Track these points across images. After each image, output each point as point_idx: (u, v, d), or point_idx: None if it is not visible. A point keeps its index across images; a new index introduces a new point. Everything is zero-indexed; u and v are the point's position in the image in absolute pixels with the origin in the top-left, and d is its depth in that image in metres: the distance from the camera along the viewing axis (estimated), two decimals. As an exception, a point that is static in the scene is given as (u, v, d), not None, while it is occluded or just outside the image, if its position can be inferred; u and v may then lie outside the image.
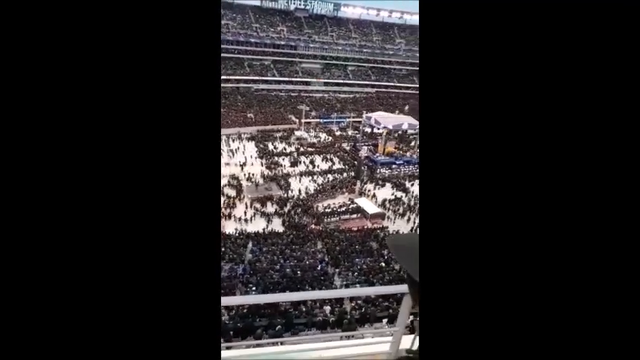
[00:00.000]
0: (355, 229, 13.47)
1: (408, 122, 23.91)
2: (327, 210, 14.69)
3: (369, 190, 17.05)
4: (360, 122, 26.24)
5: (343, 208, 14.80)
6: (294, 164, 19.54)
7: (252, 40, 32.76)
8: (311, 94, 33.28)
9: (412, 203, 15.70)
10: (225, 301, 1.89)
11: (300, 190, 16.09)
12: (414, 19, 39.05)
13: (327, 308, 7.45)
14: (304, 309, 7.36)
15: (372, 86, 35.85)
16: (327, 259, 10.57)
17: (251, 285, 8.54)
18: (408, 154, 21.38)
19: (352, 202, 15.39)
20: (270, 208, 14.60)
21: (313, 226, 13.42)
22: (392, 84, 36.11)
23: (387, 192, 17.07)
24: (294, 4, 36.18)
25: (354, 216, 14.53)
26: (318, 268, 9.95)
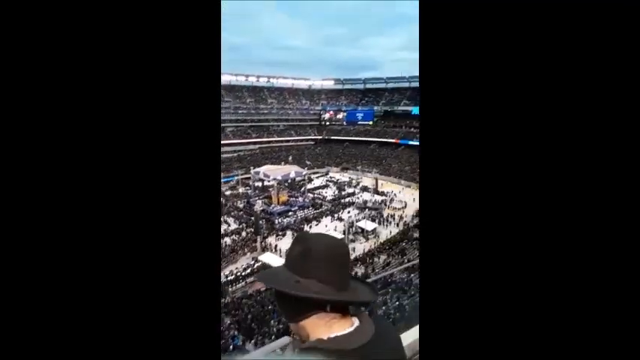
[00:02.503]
0: (264, 288, 12.70)
1: (294, 171, 25.69)
2: (230, 278, 13.38)
3: (270, 244, 16.76)
4: (249, 178, 26.36)
5: (248, 270, 13.85)
6: (183, 236, 17.22)
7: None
8: (192, 158, 31.33)
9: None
10: None
11: (194, 264, 14.10)
12: (280, 82, 44.51)
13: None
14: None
15: (254, 143, 37.38)
16: (237, 334, 9.38)
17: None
18: (300, 199, 22.68)
19: (256, 261, 14.65)
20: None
21: (217, 301, 11.82)
22: (273, 139, 38.73)
23: (288, 241, 17.18)
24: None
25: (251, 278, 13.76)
26: (230, 348, 8.67)
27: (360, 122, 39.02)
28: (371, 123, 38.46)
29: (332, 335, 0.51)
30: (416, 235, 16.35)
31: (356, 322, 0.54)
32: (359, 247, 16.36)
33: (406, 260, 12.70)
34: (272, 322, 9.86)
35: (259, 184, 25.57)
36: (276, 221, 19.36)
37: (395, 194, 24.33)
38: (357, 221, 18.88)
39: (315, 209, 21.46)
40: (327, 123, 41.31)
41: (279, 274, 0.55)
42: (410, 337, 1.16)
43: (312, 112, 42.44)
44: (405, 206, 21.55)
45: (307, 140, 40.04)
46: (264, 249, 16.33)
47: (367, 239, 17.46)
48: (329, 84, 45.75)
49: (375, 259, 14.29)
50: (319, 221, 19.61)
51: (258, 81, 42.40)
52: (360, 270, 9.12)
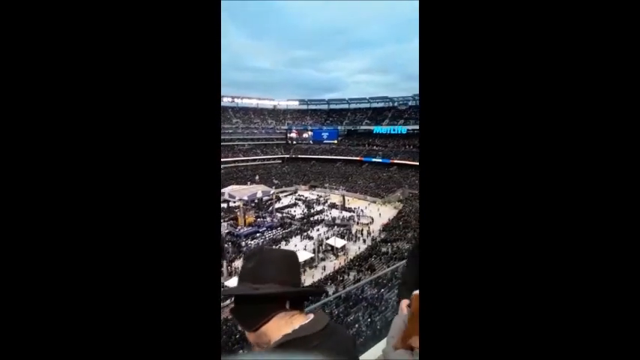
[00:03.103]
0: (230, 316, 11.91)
1: (261, 190, 25.24)
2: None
3: (237, 268, 15.97)
4: (213, 199, 25.24)
5: (213, 298, 12.95)
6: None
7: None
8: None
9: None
10: None
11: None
12: (244, 102, 44.37)
13: None
14: None
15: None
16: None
17: None
18: (268, 219, 22.17)
19: (223, 287, 13.79)
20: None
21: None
22: (238, 158, 37.95)
23: (257, 263, 16.51)
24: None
25: (228, 302, 12.96)
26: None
27: (325, 141, 40.02)
28: (336, 141, 39.64)
29: (296, 327, 0.58)
30: (384, 249, 16.75)
31: (311, 315, 0.62)
32: (329, 265, 16.28)
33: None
34: (239, 350, 9.22)
35: (224, 205, 24.61)
36: (243, 243, 18.63)
37: (362, 210, 24.91)
38: (326, 239, 18.89)
39: (284, 229, 21.08)
40: (294, 142, 41.73)
41: (238, 286, 0.63)
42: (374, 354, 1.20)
43: (278, 131, 42.67)
44: (372, 221, 22.11)
45: (274, 159, 39.89)
46: (230, 274, 15.51)
47: (337, 256, 17.47)
48: (294, 104, 46.72)
49: (346, 277, 14.29)
50: (288, 241, 19.24)
51: (222, 101, 41.90)
52: (331, 289, 9.03)
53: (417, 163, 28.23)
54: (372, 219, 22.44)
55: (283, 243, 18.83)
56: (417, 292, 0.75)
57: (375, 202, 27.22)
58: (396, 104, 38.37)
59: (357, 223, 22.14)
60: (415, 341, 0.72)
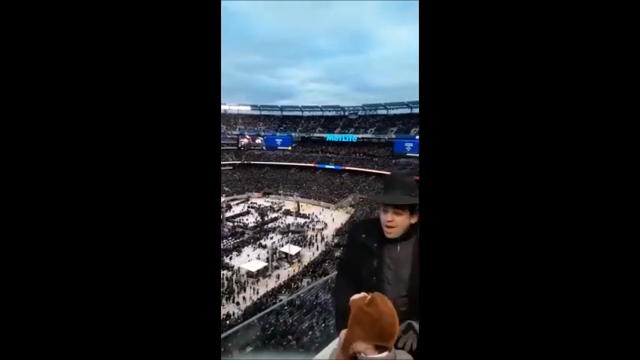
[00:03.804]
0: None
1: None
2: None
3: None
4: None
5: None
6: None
7: None
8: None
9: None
10: None
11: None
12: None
13: None
14: None
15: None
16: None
17: None
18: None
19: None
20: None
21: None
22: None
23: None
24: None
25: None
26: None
27: (279, 147, 39.71)
28: (290, 148, 39.60)
29: None
30: (337, 253, 17.10)
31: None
32: (283, 273, 16.02)
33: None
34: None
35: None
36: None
37: (316, 215, 25.16)
38: (280, 246, 18.58)
39: (236, 238, 20.17)
40: (246, 148, 40.52)
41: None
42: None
43: (229, 136, 40.99)
44: (326, 227, 22.47)
45: (225, 165, 38.10)
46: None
47: (291, 264, 17.29)
48: (246, 109, 45.47)
49: (300, 284, 14.21)
50: (240, 251, 18.45)
51: (165, 102, 38.73)
52: (284, 297, 8.87)
53: (367, 170, 29.71)
54: (326, 224, 22.82)
55: (234, 253, 17.99)
56: (354, 296, 0.78)
57: (328, 207, 27.75)
58: (346, 113, 40.00)
59: (312, 229, 22.27)
60: (358, 346, 0.72)
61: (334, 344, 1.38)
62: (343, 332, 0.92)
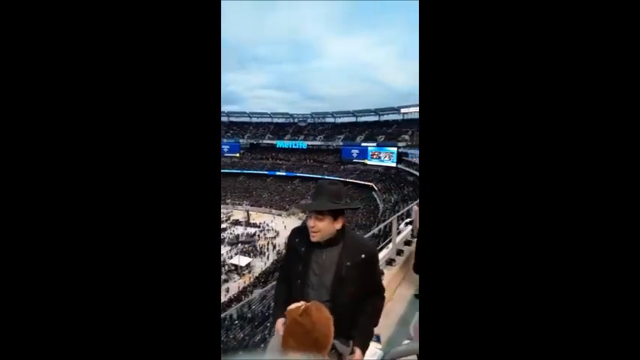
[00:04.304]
0: None
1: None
2: None
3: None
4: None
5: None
6: None
7: None
8: None
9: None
10: None
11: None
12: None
13: None
14: None
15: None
16: None
17: None
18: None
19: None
20: None
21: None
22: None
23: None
24: None
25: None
26: None
27: (226, 154, 38.01)
28: (238, 155, 38.21)
29: None
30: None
31: None
32: (233, 287, 15.23)
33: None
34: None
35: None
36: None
37: (267, 224, 24.61)
38: (229, 258, 17.67)
39: (179, 253, 18.50)
40: (189, 155, 37.68)
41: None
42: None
43: (169, 143, 37.68)
44: (277, 234, 22.11)
45: (164, 174, 34.79)
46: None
47: (242, 275, 16.55)
48: (189, 114, 42.48)
49: (250, 295, 13.68)
50: (184, 266, 16.96)
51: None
52: (233, 313, 8.39)
53: (318, 176, 30.25)
54: (278, 232, 22.46)
55: (178, 269, 16.48)
56: (290, 306, 0.78)
57: (280, 214, 27.39)
58: (296, 120, 40.34)
59: (263, 238, 21.69)
60: (292, 357, 0.70)
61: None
62: (279, 321, 0.94)
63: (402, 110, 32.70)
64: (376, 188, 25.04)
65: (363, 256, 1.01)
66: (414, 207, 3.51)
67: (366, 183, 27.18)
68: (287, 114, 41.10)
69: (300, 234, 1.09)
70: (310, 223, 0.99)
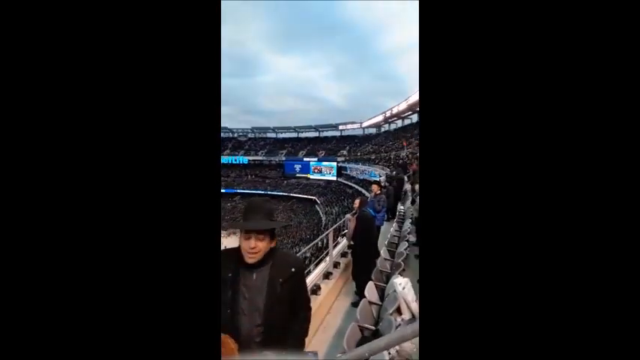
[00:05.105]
0: None
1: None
2: None
3: None
4: None
5: None
6: None
7: None
8: None
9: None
10: None
11: None
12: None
13: None
14: None
15: None
16: None
17: None
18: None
19: None
20: None
21: None
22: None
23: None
24: None
25: None
26: None
27: (156, 171, 34.40)
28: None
29: None
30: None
31: None
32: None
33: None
34: None
35: None
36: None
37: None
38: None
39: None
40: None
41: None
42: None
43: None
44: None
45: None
46: None
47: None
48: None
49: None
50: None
51: None
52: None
53: (260, 192, 29.47)
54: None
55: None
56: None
57: (235, 233, 25.57)
58: (236, 135, 39.03)
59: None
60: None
61: None
62: None
63: (340, 127, 34.63)
64: (319, 202, 25.53)
65: (293, 269, 0.99)
66: (348, 216, 3.72)
67: (309, 197, 27.52)
68: (226, 128, 39.56)
69: (223, 259, 1.05)
70: (251, 243, 0.93)
